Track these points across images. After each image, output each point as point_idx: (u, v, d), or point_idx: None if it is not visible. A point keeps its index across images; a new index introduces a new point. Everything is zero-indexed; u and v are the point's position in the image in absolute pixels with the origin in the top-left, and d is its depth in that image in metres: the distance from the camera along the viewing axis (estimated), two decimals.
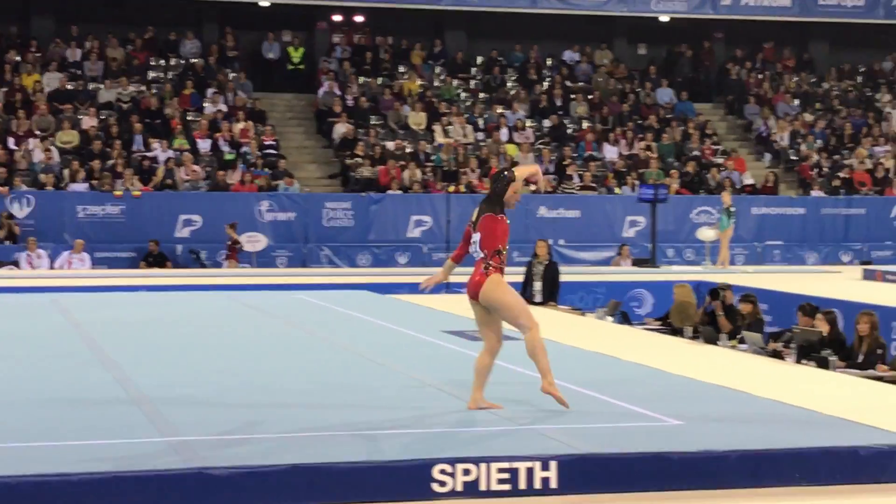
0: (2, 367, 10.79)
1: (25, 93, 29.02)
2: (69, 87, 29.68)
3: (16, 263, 24.62)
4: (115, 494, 6.54)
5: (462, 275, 8.31)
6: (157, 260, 25.57)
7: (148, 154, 27.84)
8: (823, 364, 12.30)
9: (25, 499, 6.44)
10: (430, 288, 9.25)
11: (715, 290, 15.95)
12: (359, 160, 28.73)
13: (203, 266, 25.86)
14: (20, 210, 25.71)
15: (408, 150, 29.68)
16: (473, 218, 8.82)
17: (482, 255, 8.69)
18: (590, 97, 33.08)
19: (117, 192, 26.22)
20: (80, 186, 26.45)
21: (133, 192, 26.25)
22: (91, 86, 30.12)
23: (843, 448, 7.51)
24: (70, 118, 28.36)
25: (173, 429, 7.86)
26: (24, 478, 6.52)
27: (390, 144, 29.60)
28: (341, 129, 29.79)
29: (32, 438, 7.56)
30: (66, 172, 26.73)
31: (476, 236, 8.72)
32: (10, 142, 27.45)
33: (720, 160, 31.63)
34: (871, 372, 12.39)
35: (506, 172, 8.87)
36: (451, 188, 26.62)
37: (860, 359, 12.81)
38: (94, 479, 6.57)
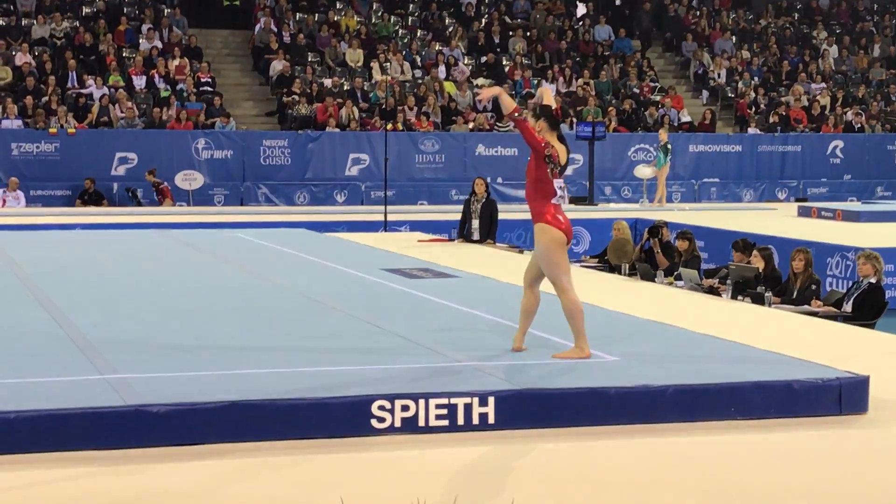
0: None
1: None
2: (1, 22, 29.20)
3: None
4: (54, 432, 6.51)
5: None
6: (93, 198, 25.36)
7: (83, 91, 27.50)
8: (759, 300, 12.44)
9: None
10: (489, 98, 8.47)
11: (653, 228, 16.07)
12: (296, 97, 28.54)
13: (139, 204, 25.67)
14: None
15: (345, 88, 29.52)
16: (564, 161, 8.29)
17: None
18: (528, 34, 33.00)
19: (52, 130, 25.90)
20: (13, 123, 26.08)
21: (68, 130, 25.95)
22: (24, 21, 29.65)
23: (777, 382, 7.60)
24: (2, 54, 27.91)
25: (111, 367, 7.82)
26: None
27: (327, 82, 29.42)
28: (278, 66, 29.55)
29: None
30: None
31: (562, 183, 8.29)
32: None
33: (658, 98, 31.72)
34: (805, 308, 12.55)
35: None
36: (389, 126, 26.51)
37: (795, 295, 12.97)
38: (33, 416, 6.52)
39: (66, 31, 29.35)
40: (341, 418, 6.94)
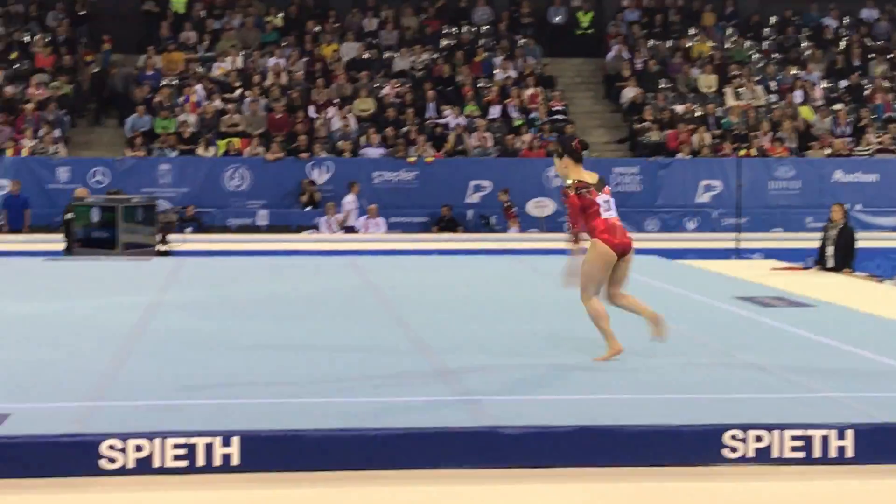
0: (304, 324, 11.20)
1: (324, 62, 29.94)
2: (366, 56, 30.45)
3: (316, 227, 25.57)
4: (409, 449, 6.72)
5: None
6: (449, 224, 26.05)
7: (440, 121, 28.34)
8: None
9: (322, 450, 6.69)
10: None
11: None
12: (647, 124, 28.50)
13: (492, 231, 26.19)
14: (319, 176, 26.62)
15: (697, 114, 29.27)
16: (594, 182, 9.04)
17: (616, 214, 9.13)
18: (889, 56, 31.84)
19: (411, 159, 26.82)
20: (374, 152, 27.14)
21: (426, 159, 26.79)
22: (386, 54, 30.80)
23: None
24: (366, 86, 29.10)
25: (464, 387, 8.00)
26: (322, 432, 6.77)
27: (679, 108, 29.25)
28: (630, 93, 29.60)
29: (329, 394, 7.84)
30: (362, 140, 27.50)
31: (608, 197, 9.11)
32: (311, 110, 28.39)
33: None
34: None
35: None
36: (742, 152, 26.09)
37: None
38: (390, 434, 6.75)
39: (426, 63, 30.32)
40: (692, 446, 6.87)
